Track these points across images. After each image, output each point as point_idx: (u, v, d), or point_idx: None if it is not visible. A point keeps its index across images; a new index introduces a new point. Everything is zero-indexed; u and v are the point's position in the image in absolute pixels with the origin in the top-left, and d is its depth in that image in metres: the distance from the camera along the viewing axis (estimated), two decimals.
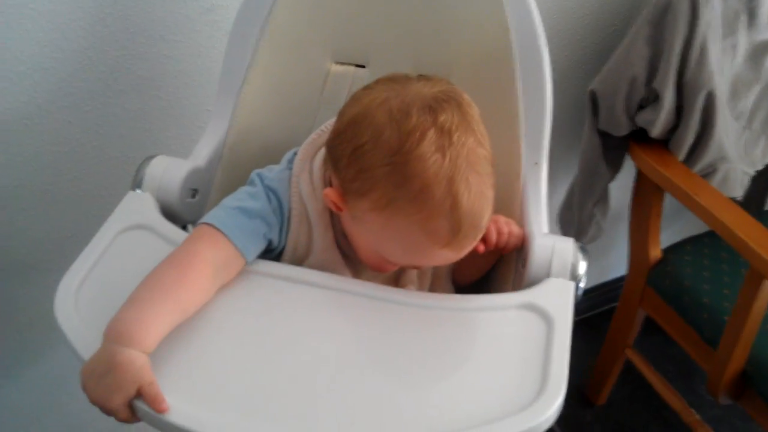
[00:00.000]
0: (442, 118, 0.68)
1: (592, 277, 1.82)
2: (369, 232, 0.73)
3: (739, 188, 1.32)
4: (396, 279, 0.82)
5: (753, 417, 1.25)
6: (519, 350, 0.70)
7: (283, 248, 0.78)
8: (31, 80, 0.92)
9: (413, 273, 0.83)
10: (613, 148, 1.31)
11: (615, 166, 1.35)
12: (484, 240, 0.80)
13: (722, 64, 1.21)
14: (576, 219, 1.43)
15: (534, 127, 0.86)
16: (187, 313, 0.67)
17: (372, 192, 0.69)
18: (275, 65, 0.87)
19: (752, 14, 1.20)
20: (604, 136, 1.30)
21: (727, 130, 1.26)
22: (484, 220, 0.71)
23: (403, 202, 0.68)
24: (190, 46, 1.00)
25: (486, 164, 0.71)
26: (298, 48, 0.87)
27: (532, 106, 0.86)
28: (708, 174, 1.27)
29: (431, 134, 0.67)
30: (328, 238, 0.78)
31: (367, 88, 0.73)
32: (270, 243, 0.77)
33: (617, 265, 1.81)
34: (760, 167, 1.37)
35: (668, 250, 1.38)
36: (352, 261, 0.80)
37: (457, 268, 0.88)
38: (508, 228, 0.83)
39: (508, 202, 0.86)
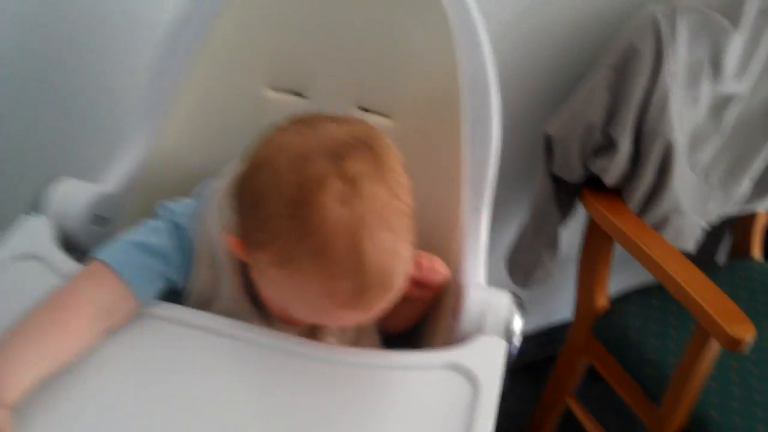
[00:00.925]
0: (348, 164, 0.61)
1: (537, 320, 1.79)
2: (271, 287, 0.67)
3: (691, 241, 1.29)
4: (313, 330, 0.76)
5: None
6: (439, 416, 0.64)
7: (186, 290, 0.72)
8: None
9: (334, 326, 0.77)
10: (565, 193, 1.28)
11: (566, 211, 1.31)
12: None
13: (683, 114, 1.18)
14: (524, 261, 1.39)
15: (478, 171, 0.81)
16: (58, 361, 0.60)
17: (271, 245, 0.62)
18: (205, 86, 0.81)
19: (717, 66, 1.17)
20: (557, 180, 1.26)
21: (684, 182, 1.23)
22: (395, 279, 0.63)
23: (303, 260, 0.61)
24: (122, 62, 0.94)
25: (401, 218, 0.64)
26: (231, 69, 0.81)
27: (477, 150, 0.81)
28: (661, 225, 1.24)
29: (334, 183, 0.60)
30: (237, 284, 0.72)
31: (278, 128, 0.67)
32: (172, 284, 0.70)
33: (563, 310, 1.77)
34: (714, 220, 1.34)
35: (616, 301, 1.34)
36: (263, 310, 0.74)
37: (382, 318, 0.82)
38: (429, 263, 0.77)
39: (445, 251, 0.81)
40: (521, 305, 0.76)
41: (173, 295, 0.71)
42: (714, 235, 1.54)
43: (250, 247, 0.65)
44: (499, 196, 1.44)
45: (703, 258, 1.41)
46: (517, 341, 0.74)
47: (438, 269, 0.78)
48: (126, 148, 0.82)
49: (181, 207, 0.73)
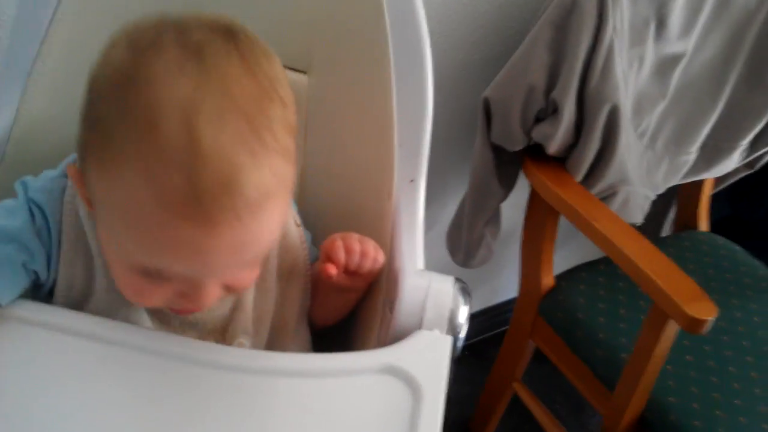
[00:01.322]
0: (196, 38, 0.50)
1: (480, 300, 1.70)
2: (103, 220, 0.53)
3: (639, 213, 1.21)
4: (223, 331, 0.64)
5: None
6: (373, 430, 0.53)
7: (54, 285, 0.58)
8: None
9: (245, 321, 0.65)
10: (506, 164, 1.18)
11: (508, 184, 1.21)
12: (331, 259, 0.64)
13: (627, 76, 1.09)
14: (465, 240, 1.29)
15: (411, 137, 0.70)
16: None
17: (94, 137, 0.50)
18: (80, 37, 0.67)
19: (662, 23, 1.08)
20: (498, 150, 1.16)
21: (630, 150, 1.15)
22: (244, 186, 0.48)
23: (126, 144, 0.48)
24: None
25: (267, 115, 0.50)
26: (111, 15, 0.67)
27: (409, 113, 0.70)
28: (607, 197, 1.16)
29: (173, 52, 0.48)
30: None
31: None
32: (36, 277, 0.57)
33: (507, 287, 1.69)
34: (661, 191, 1.27)
35: (561, 277, 1.26)
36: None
37: (313, 307, 0.71)
38: (361, 247, 0.66)
39: (376, 228, 0.69)
40: (466, 291, 0.65)
41: (34, 290, 0.58)
42: (659, 206, 1.47)
43: (84, 162, 0.52)
44: (435, 169, 1.35)
45: (647, 231, 1.34)
46: (462, 334, 0.64)
47: (372, 254, 0.67)
48: None
49: (37, 181, 0.60)
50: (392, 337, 0.62)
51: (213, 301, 0.55)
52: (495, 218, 1.26)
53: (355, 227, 0.71)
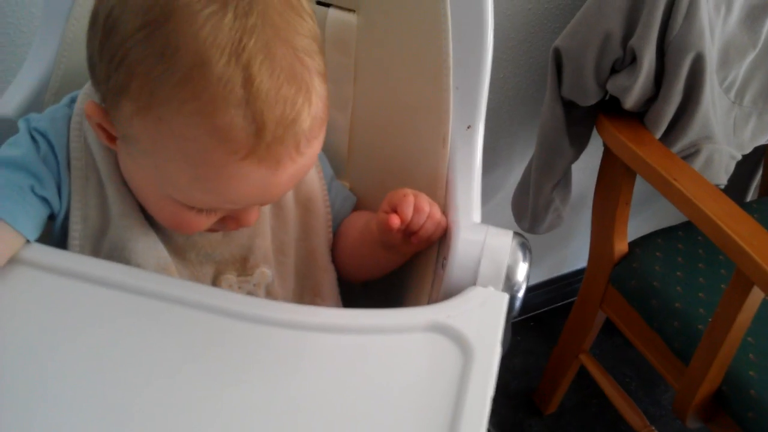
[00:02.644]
0: None
1: (548, 269, 1.63)
2: (143, 157, 0.52)
3: (723, 174, 1.12)
4: (243, 261, 0.61)
5: None
6: (420, 392, 0.49)
7: (68, 220, 0.56)
8: None
9: (265, 250, 0.62)
10: (578, 121, 1.10)
11: (579, 143, 1.13)
12: (398, 212, 0.59)
13: (713, 23, 1.00)
14: (532, 205, 1.22)
15: (468, 79, 0.64)
16: None
17: (131, 82, 0.47)
18: None
19: None
20: (569, 106, 1.08)
21: (714, 104, 1.05)
22: (305, 119, 0.48)
23: (171, 88, 0.46)
24: None
25: (308, 39, 0.49)
26: None
27: (466, 54, 0.64)
28: (689, 156, 1.07)
29: None
30: (126, 196, 0.57)
31: None
32: (50, 208, 0.55)
33: (578, 257, 1.61)
34: (747, 151, 1.17)
35: (636, 244, 1.18)
36: (164, 233, 0.59)
37: (348, 254, 0.67)
38: (431, 209, 0.61)
39: (430, 178, 0.64)
40: (526, 247, 0.59)
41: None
42: (745, 168, 1.36)
43: (111, 104, 0.50)
44: (502, 130, 1.29)
45: (731, 195, 1.24)
46: (521, 293, 0.58)
47: (438, 219, 0.62)
48: (29, 64, 0.66)
49: (42, 114, 0.58)
50: (444, 295, 0.57)
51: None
52: (565, 181, 1.19)
53: (407, 177, 0.66)
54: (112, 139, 0.54)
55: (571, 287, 1.61)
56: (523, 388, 1.46)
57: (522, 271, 0.58)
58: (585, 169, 1.31)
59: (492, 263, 0.57)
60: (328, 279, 0.67)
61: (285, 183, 0.51)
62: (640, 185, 1.11)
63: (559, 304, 1.62)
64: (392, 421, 0.47)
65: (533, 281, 1.60)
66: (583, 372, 1.33)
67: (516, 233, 0.59)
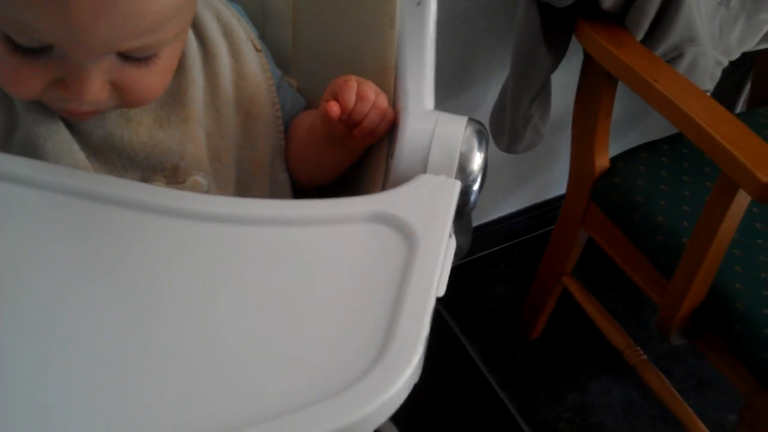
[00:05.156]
0: None
1: (531, 195, 1.58)
2: None
3: (708, 80, 1.06)
4: (174, 169, 0.56)
5: (709, 358, 1.03)
6: (357, 287, 0.44)
7: None
8: None
9: (198, 156, 0.57)
10: (554, 27, 1.03)
11: (557, 51, 1.07)
12: (338, 100, 0.54)
13: None
14: (509, 121, 1.16)
15: None
16: None
17: None
18: None
19: None
20: (545, 9, 1.01)
21: (699, 5, 0.99)
22: None
23: None
24: None
25: None
26: None
27: None
28: (672, 60, 1.01)
29: None
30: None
31: None
32: None
33: (561, 182, 1.55)
34: (734, 56, 1.11)
35: (618, 159, 1.12)
36: (78, 131, 0.53)
37: (296, 156, 0.61)
38: (376, 97, 0.55)
39: (378, 65, 0.58)
40: (482, 135, 0.54)
41: None
42: (732, 78, 1.30)
43: None
44: (475, 47, 1.22)
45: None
46: (476, 185, 0.53)
47: (384, 109, 0.57)
48: None
49: None
50: (393, 186, 0.52)
51: (97, 97, 0.49)
52: (543, 95, 1.12)
53: (355, 68, 0.60)
54: None
55: (554, 213, 1.55)
56: (507, 315, 1.43)
57: (477, 159, 0.52)
58: (567, 86, 1.25)
59: (443, 151, 0.52)
60: (277, 190, 0.62)
61: (90, 7, 0.43)
62: (624, 103, 1.05)
63: (542, 230, 1.57)
64: (329, 315, 0.43)
65: (515, 207, 1.55)
66: (567, 299, 1.29)
67: (471, 119, 0.54)
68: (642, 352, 1.19)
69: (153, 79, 0.51)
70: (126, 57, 0.48)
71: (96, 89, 0.48)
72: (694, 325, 1.01)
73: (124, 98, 0.51)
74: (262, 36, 0.64)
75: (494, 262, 1.52)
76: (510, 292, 1.47)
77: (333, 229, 0.47)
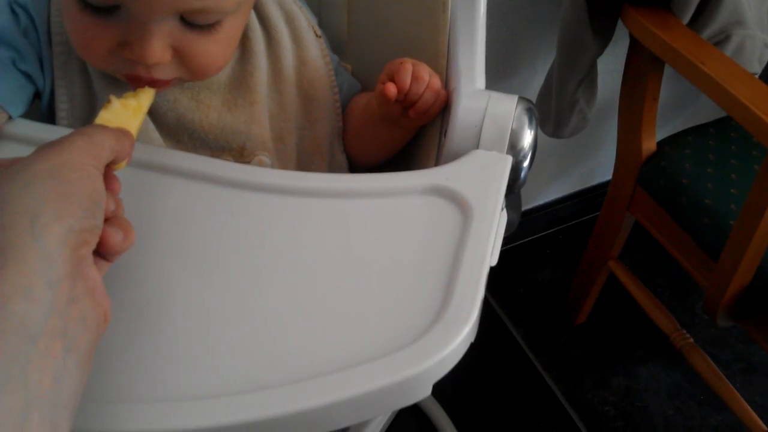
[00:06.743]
0: None
1: (577, 181, 1.58)
2: None
3: (756, 63, 1.06)
4: (240, 149, 0.59)
5: (756, 341, 1.03)
6: (416, 254, 0.47)
7: (53, 100, 0.54)
8: None
9: (262, 137, 0.60)
10: (601, 11, 1.04)
11: (604, 35, 1.08)
12: (395, 81, 0.57)
13: None
14: (555, 106, 1.17)
15: None
16: None
17: None
18: None
19: None
20: None
21: None
22: None
23: None
24: None
25: None
26: None
27: None
28: (719, 43, 1.01)
29: None
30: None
31: None
32: (33, 85, 0.52)
33: (607, 168, 1.56)
34: None
35: (665, 142, 1.13)
36: (153, 113, 0.56)
37: (352, 136, 0.64)
38: (430, 78, 0.58)
39: (431, 49, 0.61)
40: (533, 113, 0.56)
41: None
42: None
43: None
44: (523, 31, 1.24)
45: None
46: (526, 161, 0.55)
47: (437, 89, 0.59)
48: None
49: None
50: (446, 163, 0.55)
51: (160, 59, 0.50)
52: (589, 80, 1.14)
53: (408, 51, 0.62)
54: None
55: (599, 199, 1.56)
56: (552, 300, 1.44)
57: (527, 136, 0.55)
58: (614, 72, 1.26)
59: (495, 128, 0.54)
60: (335, 170, 0.65)
61: None
62: (671, 87, 1.05)
63: (587, 216, 1.58)
64: (391, 279, 0.45)
65: (560, 194, 1.56)
66: (613, 284, 1.30)
67: (522, 98, 0.56)
68: (689, 335, 1.19)
69: (214, 48, 0.52)
70: (188, 24, 0.50)
71: (158, 51, 0.49)
72: (740, 307, 1.01)
73: (187, 66, 0.52)
74: (319, 22, 0.67)
75: (540, 248, 1.53)
76: (555, 278, 1.48)
77: (392, 201, 0.50)
